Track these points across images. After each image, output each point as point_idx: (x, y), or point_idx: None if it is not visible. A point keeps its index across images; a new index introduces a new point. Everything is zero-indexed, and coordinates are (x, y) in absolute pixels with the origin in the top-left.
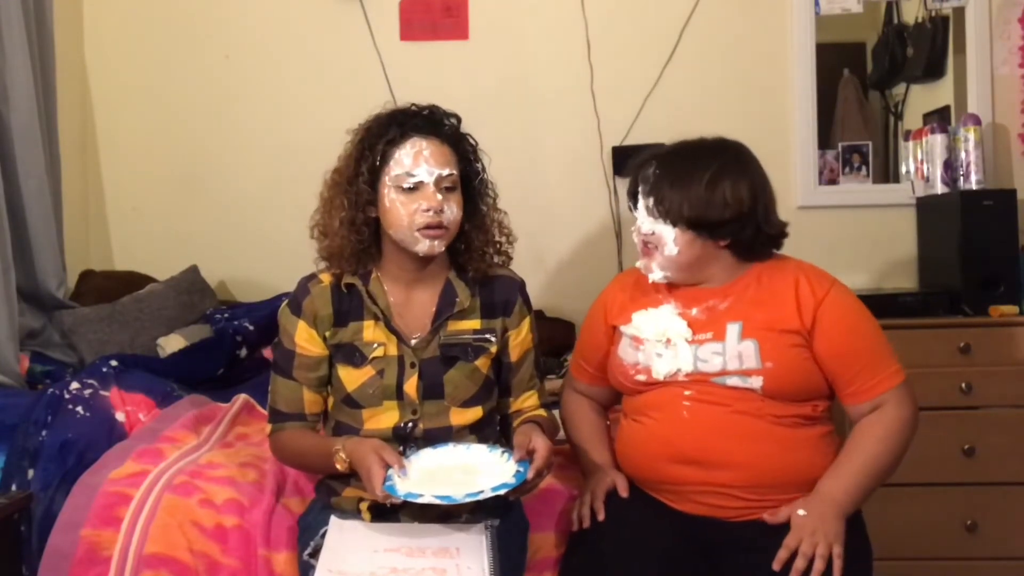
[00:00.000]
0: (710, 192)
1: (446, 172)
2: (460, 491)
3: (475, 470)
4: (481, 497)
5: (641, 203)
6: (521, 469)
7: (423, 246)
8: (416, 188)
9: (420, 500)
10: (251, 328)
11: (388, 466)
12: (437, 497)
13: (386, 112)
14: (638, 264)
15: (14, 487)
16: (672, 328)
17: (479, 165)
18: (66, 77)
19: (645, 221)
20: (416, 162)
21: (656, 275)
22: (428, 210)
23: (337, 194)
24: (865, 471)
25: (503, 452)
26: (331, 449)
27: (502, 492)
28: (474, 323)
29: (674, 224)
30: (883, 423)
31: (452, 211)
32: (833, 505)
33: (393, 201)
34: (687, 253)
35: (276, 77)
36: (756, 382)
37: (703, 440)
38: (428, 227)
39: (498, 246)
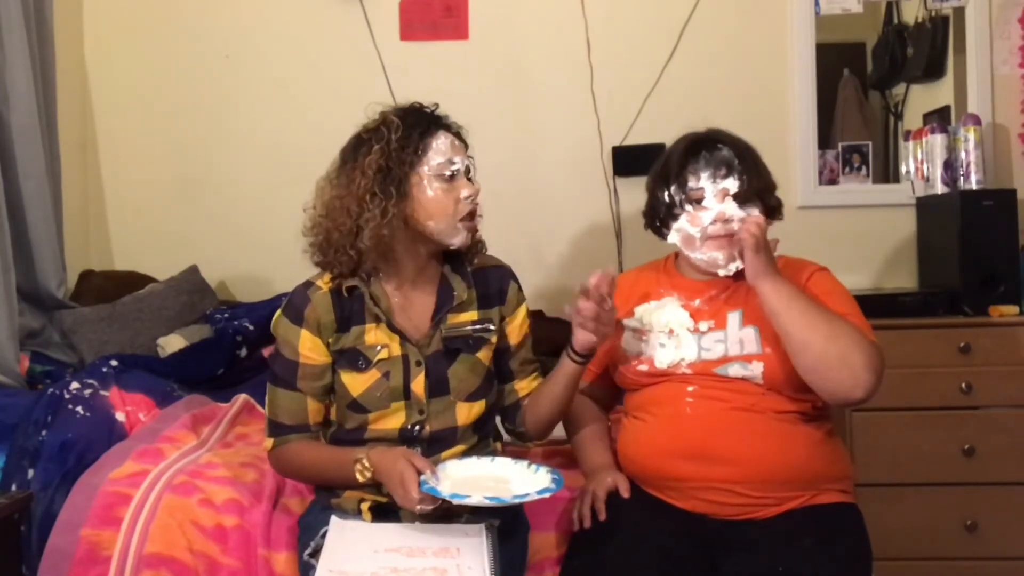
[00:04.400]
0: (769, 173)
1: (468, 162)
2: (502, 495)
3: (505, 479)
4: (528, 499)
5: (716, 188)
6: (556, 476)
7: (460, 238)
8: (455, 176)
9: (469, 501)
10: (251, 328)
11: (420, 472)
12: (487, 499)
13: (402, 107)
14: (709, 257)
15: (14, 487)
16: (675, 319)
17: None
18: (66, 77)
19: (730, 206)
20: (455, 151)
21: (739, 263)
22: (468, 197)
23: (373, 189)
24: (816, 307)
25: (529, 464)
26: (350, 459)
27: (546, 496)
28: (471, 315)
29: (763, 204)
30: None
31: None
32: (773, 267)
33: (437, 190)
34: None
35: (276, 77)
36: (757, 368)
37: (706, 435)
38: (471, 215)
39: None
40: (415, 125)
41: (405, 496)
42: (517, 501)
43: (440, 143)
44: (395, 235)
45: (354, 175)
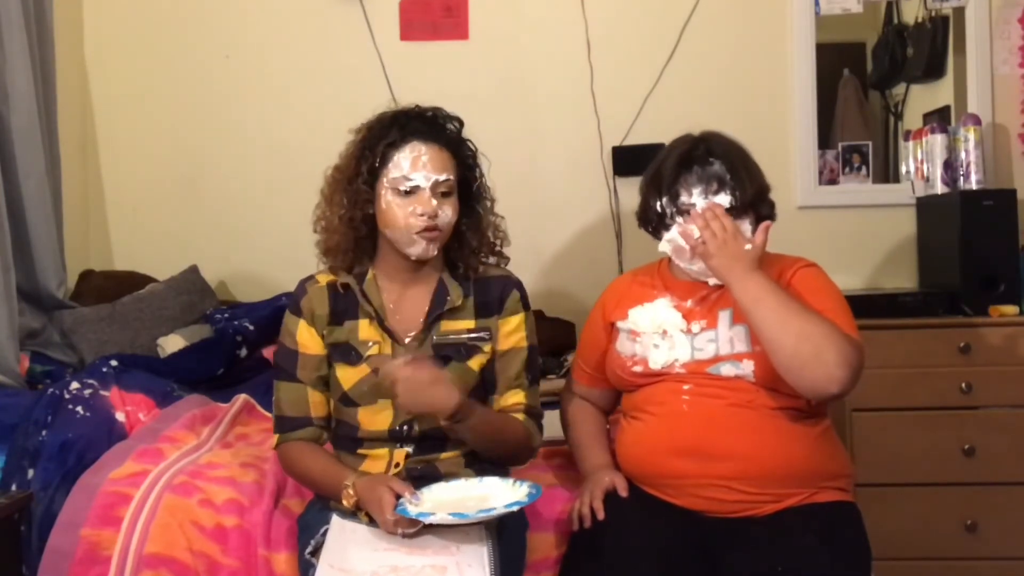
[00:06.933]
0: (762, 176)
1: (443, 177)
2: (473, 510)
3: (487, 499)
4: (494, 514)
5: (706, 202)
6: (533, 491)
7: (417, 248)
8: (412, 192)
9: (432, 520)
10: (251, 328)
11: (399, 496)
12: (451, 515)
13: (389, 113)
14: (700, 268)
15: (14, 487)
16: (668, 320)
17: (478, 171)
18: (66, 77)
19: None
20: (414, 167)
21: None
22: (423, 215)
23: (337, 191)
24: (788, 305)
25: (515, 481)
26: (340, 482)
27: (515, 509)
28: (468, 323)
29: (755, 213)
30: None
31: (447, 215)
32: (754, 262)
33: (390, 203)
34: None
35: (276, 77)
36: (748, 366)
37: (702, 431)
38: (424, 230)
39: (492, 247)
40: (382, 136)
41: (382, 521)
42: (482, 517)
43: (402, 157)
44: (366, 236)
45: (331, 177)
